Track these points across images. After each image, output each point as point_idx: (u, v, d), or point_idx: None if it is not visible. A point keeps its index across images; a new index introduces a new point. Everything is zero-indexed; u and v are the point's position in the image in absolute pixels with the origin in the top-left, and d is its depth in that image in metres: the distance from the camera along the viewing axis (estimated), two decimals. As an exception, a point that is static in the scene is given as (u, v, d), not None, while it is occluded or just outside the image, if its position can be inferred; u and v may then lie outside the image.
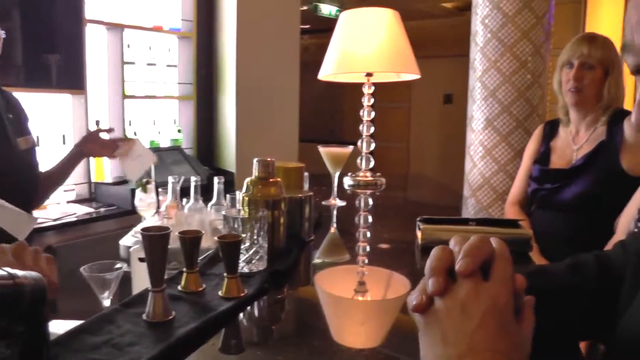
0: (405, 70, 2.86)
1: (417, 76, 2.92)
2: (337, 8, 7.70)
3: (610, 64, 2.21)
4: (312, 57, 7.94)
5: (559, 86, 2.32)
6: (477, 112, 3.64)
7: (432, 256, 0.67)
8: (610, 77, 2.21)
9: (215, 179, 1.78)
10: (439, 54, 7.81)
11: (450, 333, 0.61)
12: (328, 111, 9.36)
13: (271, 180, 1.47)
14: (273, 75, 4.37)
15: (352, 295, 1.34)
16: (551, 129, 2.46)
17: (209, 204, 1.80)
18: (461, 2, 8.16)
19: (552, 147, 2.41)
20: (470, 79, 3.74)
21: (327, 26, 8.16)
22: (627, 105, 2.32)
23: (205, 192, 1.77)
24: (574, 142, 2.33)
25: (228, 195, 1.82)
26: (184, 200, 1.78)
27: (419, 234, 1.78)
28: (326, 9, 7.66)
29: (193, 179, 1.81)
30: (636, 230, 1.72)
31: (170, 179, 1.82)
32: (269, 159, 1.48)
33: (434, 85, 8.45)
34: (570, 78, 2.23)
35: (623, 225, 1.94)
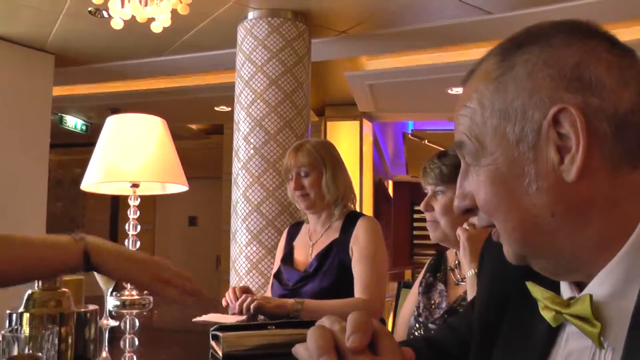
0: (174, 181, 2.75)
1: (185, 188, 2.82)
2: (82, 121, 7.32)
3: (321, 164, 2.35)
4: (52, 174, 7.38)
5: (292, 194, 2.43)
6: (241, 226, 3.62)
7: (314, 336, 0.63)
8: (325, 175, 2.34)
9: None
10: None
11: None
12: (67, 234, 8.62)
13: (59, 291, 1.23)
14: (17, 192, 3.91)
15: None
16: (294, 231, 2.57)
17: None
18: (207, 124, 8.38)
19: (295, 246, 2.50)
20: (233, 194, 3.73)
21: (71, 141, 7.74)
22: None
23: None
24: (311, 238, 2.44)
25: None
26: None
27: (215, 344, 1.63)
28: (72, 122, 7.22)
29: None
30: (417, 324, 1.87)
31: None
32: (55, 265, 1.23)
33: (178, 207, 8.38)
34: (293, 188, 2.35)
35: (401, 325, 2.03)
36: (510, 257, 0.74)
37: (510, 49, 0.71)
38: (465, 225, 1.68)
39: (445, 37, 4.59)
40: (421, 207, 1.83)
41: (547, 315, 0.71)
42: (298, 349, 0.64)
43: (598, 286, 0.67)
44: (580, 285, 0.72)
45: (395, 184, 12.23)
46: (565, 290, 0.74)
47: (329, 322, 0.66)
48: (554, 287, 0.74)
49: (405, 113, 7.61)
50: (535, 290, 0.73)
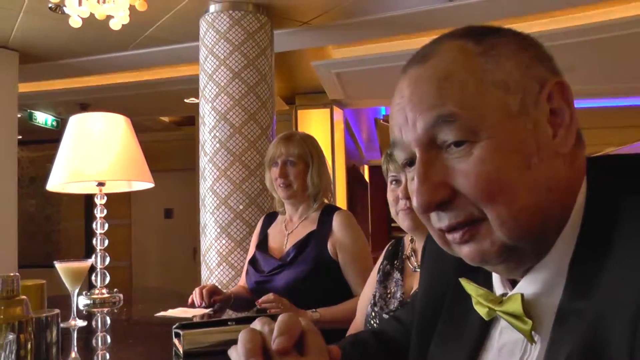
0: (139, 179, 2.77)
1: (150, 185, 2.85)
2: (53, 117, 7.24)
3: (309, 157, 2.41)
4: (24, 171, 7.31)
5: (271, 183, 2.47)
6: (210, 220, 3.65)
7: (244, 339, 0.66)
8: (311, 169, 2.40)
9: None
10: (157, 168, 7.73)
11: None
12: (43, 233, 8.56)
13: (16, 299, 1.26)
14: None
15: None
16: (269, 220, 2.62)
17: None
18: (178, 116, 8.34)
19: (269, 233, 2.56)
20: (201, 188, 3.76)
21: (42, 137, 7.66)
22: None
23: None
24: (286, 227, 2.50)
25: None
26: None
27: (177, 342, 1.67)
28: (42, 118, 7.12)
29: None
30: (373, 313, 1.87)
31: None
32: (12, 274, 1.27)
33: (154, 199, 8.35)
34: (277, 176, 2.39)
35: (361, 308, 2.07)
36: (493, 251, 0.68)
37: (478, 33, 0.72)
38: None
39: (407, 25, 4.62)
40: (402, 195, 1.73)
41: (481, 310, 0.74)
42: (231, 352, 0.68)
43: (528, 285, 0.70)
44: (512, 281, 0.75)
45: (371, 168, 12.30)
46: (498, 286, 0.77)
47: (259, 325, 0.69)
48: (487, 284, 0.78)
49: (375, 99, 7.65)
50: (469, 287, 0.75)
